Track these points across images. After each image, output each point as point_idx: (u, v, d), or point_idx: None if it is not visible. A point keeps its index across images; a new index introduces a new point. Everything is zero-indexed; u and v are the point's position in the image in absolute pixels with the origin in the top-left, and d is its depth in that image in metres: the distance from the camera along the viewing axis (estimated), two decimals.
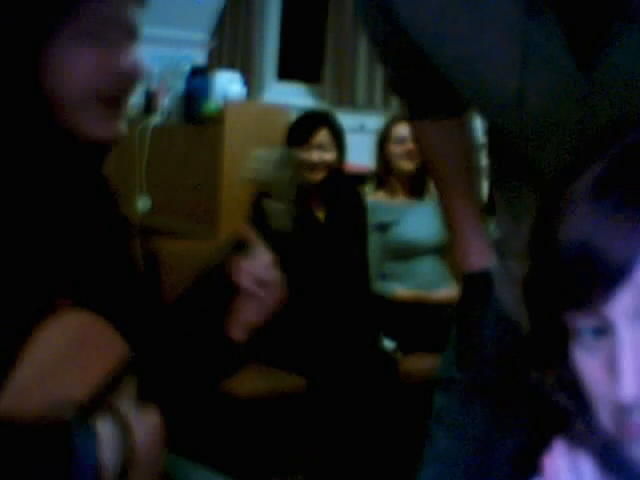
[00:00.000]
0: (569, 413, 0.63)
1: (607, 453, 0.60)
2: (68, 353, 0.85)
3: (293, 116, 2.87)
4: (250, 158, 1.07)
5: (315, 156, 2.58)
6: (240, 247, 1.03)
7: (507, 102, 0.90)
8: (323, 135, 2.61)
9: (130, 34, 0.94)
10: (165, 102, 3.06)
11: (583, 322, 0.59)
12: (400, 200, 2.89)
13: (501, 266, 1.09)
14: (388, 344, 2.67)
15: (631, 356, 0.56)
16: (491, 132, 1.12)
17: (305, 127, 2.64)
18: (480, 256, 1.12)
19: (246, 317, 1.03)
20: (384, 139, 2.88)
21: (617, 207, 0.56)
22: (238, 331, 1.04)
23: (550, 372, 0.64)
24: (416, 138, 1.21)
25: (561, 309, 0.59)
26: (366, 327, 2.61)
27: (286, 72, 4.00)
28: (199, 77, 3.02)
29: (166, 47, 3.50)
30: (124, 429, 0.82)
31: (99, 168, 1.00)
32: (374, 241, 2.76)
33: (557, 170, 0.64)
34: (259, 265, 1.02)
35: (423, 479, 1.13)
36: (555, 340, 0.62)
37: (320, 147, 2.59)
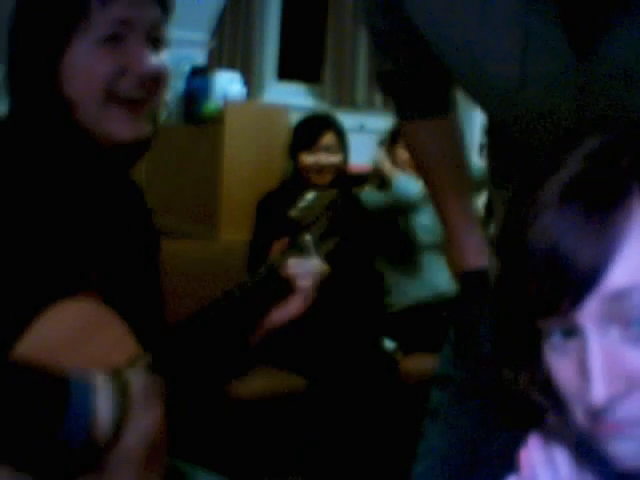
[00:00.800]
0: (543, 409, 0.63)
1: (582, 448, 0.60)
2: (74, 339, 0.87)
3: (293, 116, 2.87)
4: (300, 199, 1.17)
5: (323, 159, 2.63)
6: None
7: (507, 89, 0.91)
8: (329, 138, 2.65)
9: (149, 36, 0.95)
10: (165, 102, 3.06)
11: (552, 324, 0.59)
12: None
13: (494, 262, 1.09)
14: (388, 344, 2.67)
15: (600, 360, 0.56)
16: (491, 132, 1.13)
17: (311, 130, 2.67)
18: (476, 254, 1.12)
19: (279, 317, 1.08)
20: (392, 141, 2.87)
21: (584, 213, 0.56)
22: (260, 332, 1.07)
23: (523, 371, 0.65)
24: (406, 138, 1.22)
25: (530, 313, 0.60)
26: (366, 327, 2.61)
27: (286, 72, 4.00)
28: (199, 77, 3.02)
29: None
30: (123, 387, 0.83)
31: (127, 169, 1.02)
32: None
33: (524, 174, 0.64)
34: (311, 265, 1.08)
35: (416, 474, 1.13)
36: (526, 340, 0.62)
37: (327, 150, 2.63)
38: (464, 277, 1.15)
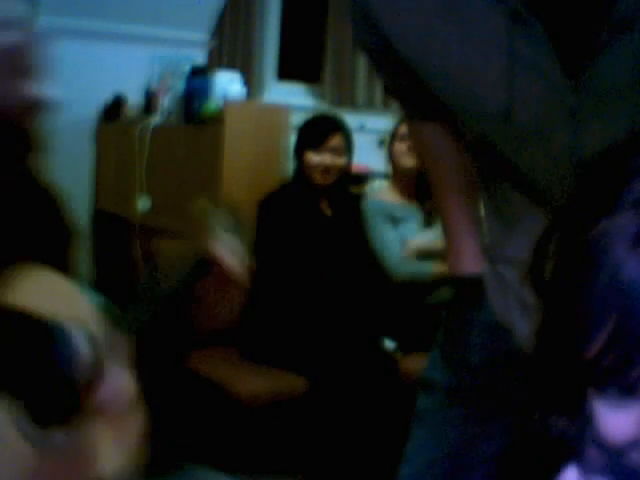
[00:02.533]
0: (583, 454, 0.57)
1: None
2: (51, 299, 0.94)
3: (294, 116, 2.87)
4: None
5: (329, 160, 2.65)
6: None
7: (494, 114, 0.89)
8: (337, 140, 2.67)
9: (29, 66, 0.95)
10: (165, 102, 3.06)
11: (610, 381, 0.53)
12: (406, 200, 2.88)
13: (491, 272, 1.07)
14: (388, 344, 2.67)
15: None
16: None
17: (320, 130, 2.69)
18: (473, 259, 1.10)
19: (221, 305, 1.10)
20: (392, 138, 2.88)
21: None
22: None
23: (566, 419, 0.58)
24: (412, 138, 1.22)
25: (587, 372, 0.53)
26: (367, 327, 2.61)
27: (286, 72, 4.00)
28: (199, 77, 3.02)
29: (166, 47, 3.50)
30: (92, 337, 0.89)
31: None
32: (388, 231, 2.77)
33: (578, 204, 0.57)
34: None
35: (402, 475, 1.13)
36: (572, 387, 0.56)
37: (334, 151, 2.65)
38: (458, 282, 1.13)
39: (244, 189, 2.89)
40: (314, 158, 2.65)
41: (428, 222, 2.78)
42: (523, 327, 0.98)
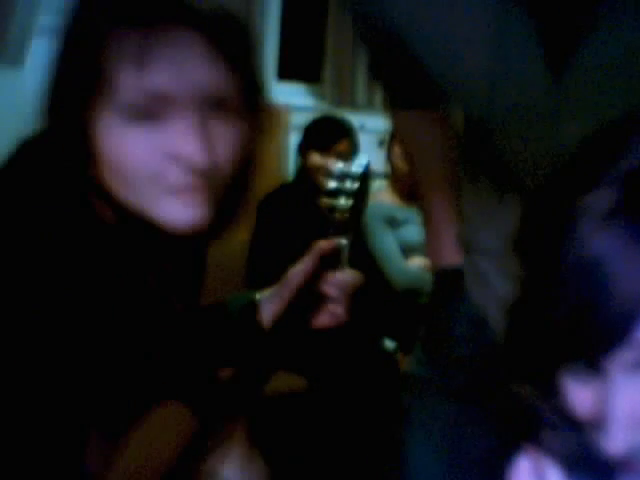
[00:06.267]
0: (543, 423, 0.59)
1: (581, 465, 0.57)
2: (155, 444, 0.84)
3: (294, 116, 2.87)
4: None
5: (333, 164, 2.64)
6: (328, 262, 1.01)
7: (479, 89, 0.88)
8: (345, 145, 2.68)
9: (191, 108, 0.73)
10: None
11: (576, 356, 0.55)
12: (405, 202, 2.88)
13: (468, 262, 1.05)
14: (388, 344, 2.67)
15: (624, 411, 0.52)
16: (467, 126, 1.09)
17: (329, 134, 2.68)
18: (453, 251, 1.08)
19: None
20: (392, 139, 2.88)
21: (632, 244, 0.50)
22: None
23: (532, 386, 0.61)
24: (396, 126, 1.19)
25: (554, 350, 0.55)
26: (367, 327, 2.61)
27: (286, 72, 3.99)
28: None
29: None
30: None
31: (179, 256, 0.90)
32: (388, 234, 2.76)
33: (553, 182, 0.60)
34: (346, 279, 1.00)
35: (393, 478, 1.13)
36: (543, 360, 0.58)
37: (340, 156, 2.65)
38: (440, 274, 1.11)
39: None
40: (319, 160, 2.65)
41: None
42: (498, 320, 0.95)
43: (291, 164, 3.03)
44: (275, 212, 2.66)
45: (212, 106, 0.75)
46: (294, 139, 2.98)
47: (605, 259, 0.50)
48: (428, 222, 1.12)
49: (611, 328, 0.50)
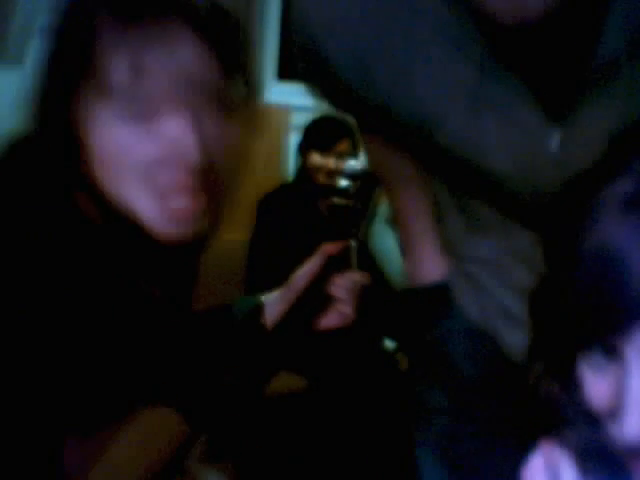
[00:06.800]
0: (565, 420, 0.60)
1: (595, 464, 0.57)
2: (142, 447, 0.83)
3: (294, 116, 2.87)
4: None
5: (333, 163, 2.66)
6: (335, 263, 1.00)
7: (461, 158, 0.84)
8: (345, 145, 2.68)
9: (184, 104, 0.71)
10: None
11: (595, 342, 0.56)
12: None
13: (459, 271, 1.00)
14: (388, 344, 2.66)
15: None
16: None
17: (329, 134, 2.69)
18: (435, 265, 1.01)
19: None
20: None
21: None
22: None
23: (553, 378, 0.62)
24: (363, 143, 1.13)
25: (575, 333, 0.56)
26: (367, 327, 2.61)
27: (286, 72, 3.99)
28: None
29: None
30: None
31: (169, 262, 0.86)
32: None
33: (578, 179, 0.61)
34: (353, 280, 1.00)
35: None
36: (564, 350, 0.59)
37: (340, 156, 2.66)
38: (422, 293, 1.03)
39: (244, 189, 2.88)
40: (319, 160, 2.66)
41: None
42: (510, 337, 0.93)
43: (291, 164, 3.03)
44: (275, 212, 2.66)
45: (206, 102, 0.73)
46: (294, 139, 2.98)
47: (623, 245, 0.52)
48: (404, 237, 1.06)
49: (627, 308, 0.51)
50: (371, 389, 2.43)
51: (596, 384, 0.57)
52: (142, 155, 0.70)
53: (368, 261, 2.69)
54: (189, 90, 0.71)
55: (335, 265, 0.99)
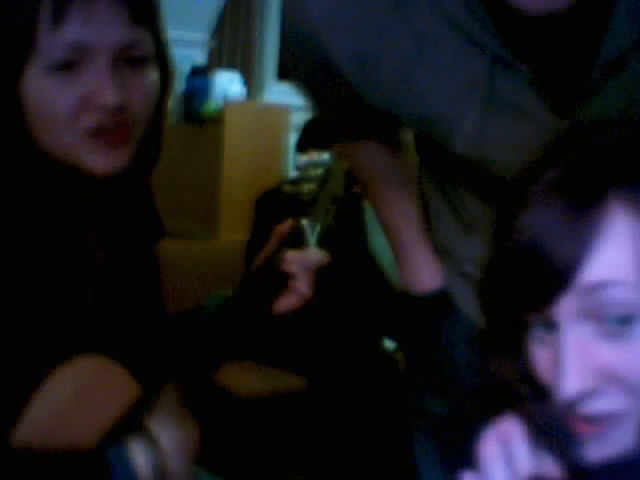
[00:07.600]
0: (521, 398, 0.64)
1: (548, 437, 0.61)
2: (78, 399, 0.84)
3: (294, 116, 2.87)
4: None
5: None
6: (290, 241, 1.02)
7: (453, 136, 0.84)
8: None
9: (121, 58, 0.82)
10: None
11: (535, 318, 0.62)
12: None
13: (455, 273, 0.98)
14: (388, 344, 2.67)
15: (573, 354, 0.59)
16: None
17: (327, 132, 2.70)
18: (431, 272, 0.99)
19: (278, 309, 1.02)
20: None
21: (564, 212, 0.59)
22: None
23: (506, 360, 0.67)
24: (348, 159, 1.11)
25: (515, 306, 0.63)
26: (367, 327, 2.61)
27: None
28: (199, 77, 3.02)
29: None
30: (157, 452, 0.81)
31: (107, 200, 0.94)
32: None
33: (515, 172, 0.66)
34: (309, 257, 1.01)
35: None
36: (512, 330, 0.65)
37: (339, 154, 2.66)
38: (421, 301, 1.01)
39: (244, 189, 2.89)
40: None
41: None
42: None
43: (291, 164, 3.03)
44: (272, 209, 2.66)
45: (124, 58, 0.83)
46: (294, 139, 2.98)
47: (546, 222, 0.59)
48: (395, 247, 1.03)
49: (555, 275, 0.58)
50: (371, 389, 2.43)
51: (541, 356, 0.62)
52: (66, 102, 0.81)
53: (368, 261, 2.69)
54: (109, 46, 0.81)
55: (293, 246, 1.01)
